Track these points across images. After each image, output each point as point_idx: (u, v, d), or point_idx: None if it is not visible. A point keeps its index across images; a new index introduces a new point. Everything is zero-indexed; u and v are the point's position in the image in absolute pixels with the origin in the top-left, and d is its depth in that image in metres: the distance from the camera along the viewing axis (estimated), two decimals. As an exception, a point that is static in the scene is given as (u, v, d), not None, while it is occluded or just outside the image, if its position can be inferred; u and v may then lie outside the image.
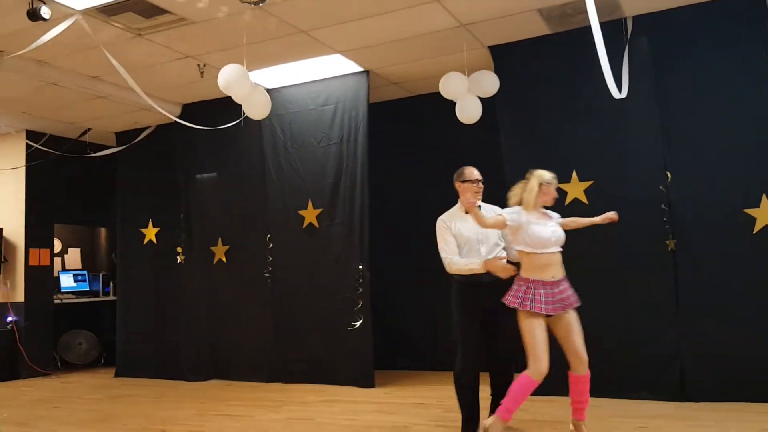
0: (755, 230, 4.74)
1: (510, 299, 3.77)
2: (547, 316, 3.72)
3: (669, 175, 5.01)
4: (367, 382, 6.07)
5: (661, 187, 5.01)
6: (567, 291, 3.77)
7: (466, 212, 4.10)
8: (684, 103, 5.03)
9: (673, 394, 4.87)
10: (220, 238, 7.06)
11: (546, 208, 3.95)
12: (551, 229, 3.79)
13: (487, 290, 3.97)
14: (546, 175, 3.88)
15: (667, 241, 4.99)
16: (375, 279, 6.29)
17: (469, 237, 4.09)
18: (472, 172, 4.22)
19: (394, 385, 6.15)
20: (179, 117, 6.48)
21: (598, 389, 4.95)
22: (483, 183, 4.20)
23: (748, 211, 4.77)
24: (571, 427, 3.95)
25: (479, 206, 4.01)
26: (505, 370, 4.15)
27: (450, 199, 6.99)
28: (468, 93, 5.53)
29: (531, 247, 3.74)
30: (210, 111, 6.72)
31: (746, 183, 4.78)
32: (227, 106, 5.95)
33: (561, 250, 3.81)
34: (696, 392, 4.82)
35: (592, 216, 4.04)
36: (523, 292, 3.73)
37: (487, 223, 3.74)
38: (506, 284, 3.90)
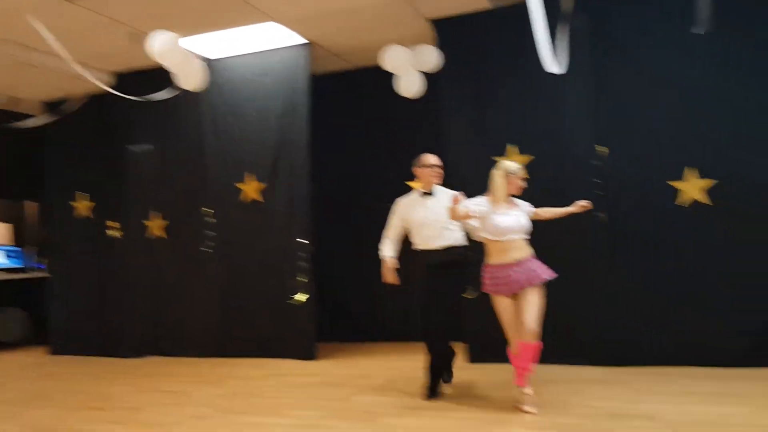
0: (681, 202, 4.96)
1: (483, 286, 4.16)
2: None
3: (602, 150, 5.17)
4: (309, 356, 6.10)
5: (594, 162, 5.16)
6: (530, 270, 4.01)
7: (425, 193, 4.54)
8: (618, 79, 5.17)
9: (604, 359, 5.09)
10: (159, 213, 6.89)
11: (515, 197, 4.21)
12: (513, 219, 4.07)
13: (432, 270, 4.41)
14: (512, 166, 4.15)
15: (600, 214, 5.16)
16: (315, 251, 6.28)
17: (416, 221, 4.48)
18: (429, 158, 4.55)
19: (335, 357, 6.20)
20: (113, 86, 6.24)
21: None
22: (441, 168, 4.56)
23: (672, 183, 4.98)
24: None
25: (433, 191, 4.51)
26: (433, 346, 4.48)
27: (390, 173, 7.07)
28: (409, 67, 5.53)
29: (491, 234, 4.09)
30: (146, 81, 6.48)
31: (672, 157, 4.98)
32: (164, 76, 5.77)
33: (525, 237, 4.11)
34: (625, 357, 5.05)
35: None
36: (488, 278, 4.12)
37: (458, 216, 3.99)
38: (450, 268, 4.38)
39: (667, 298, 4.99)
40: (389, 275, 4.49)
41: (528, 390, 3.99)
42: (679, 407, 3.85)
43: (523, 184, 4.17)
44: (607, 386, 4.49)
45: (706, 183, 4.90)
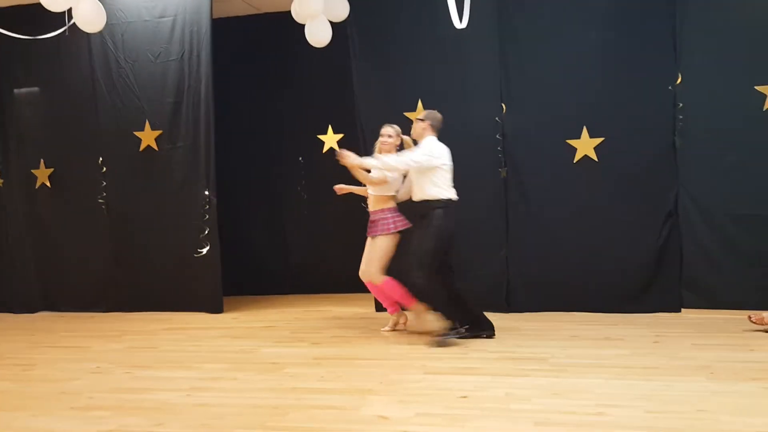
0: (575, 159, 5.23)
1: None
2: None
3: (504, 107, 5.33)
4: (215, 309, 6.02)
5: (496, 119, 5.33)
6: (375, 222, 4.84)
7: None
8: (520, 40, 5.30)
9: (500, 306, 5.36)
10: (42, 160, 6.46)
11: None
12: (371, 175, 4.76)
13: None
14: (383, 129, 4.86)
15: (500, 169, 5.36)
16: (223, 203, 6.16)
17: None
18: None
19: (243, 310, 6.16)
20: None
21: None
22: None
23: (570, 141, 5.23)
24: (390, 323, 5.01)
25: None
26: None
27: (297, 123, 6.97)
28: (320, 15, 5.40)
29: None
30: (29, 16, 5.95)
31: (569, 116, 5.21)
32: (49, 12, 5.33)
33: (373, 192, 4.84)
34: (519, 305, 5.37)
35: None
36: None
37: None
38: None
39: (557, 248, 5.29)
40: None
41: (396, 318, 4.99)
42: (566, 350, 4.15)
43: (389, 141, 4.78)
44: (501, 332, 4.75)
45: (595, 141, 5.17)
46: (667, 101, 5.07)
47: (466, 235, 5.38)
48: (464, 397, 3.33)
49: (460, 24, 4.32)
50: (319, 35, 5.43)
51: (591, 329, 4.72)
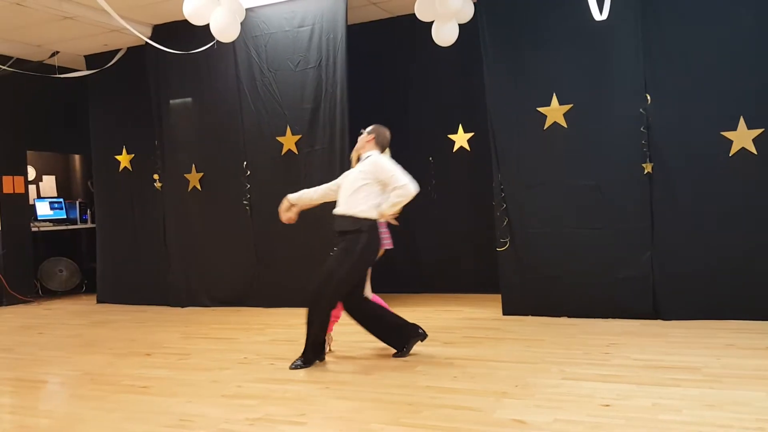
0: (731, 153, 4.81)
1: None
2: None
3: (649, 98, 5.02)
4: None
5: (641, 110, 5.02)
6: None
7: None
8: (666, 26, 4.97)
9: (645, 313, 5.05)
10: (193, 165, 6.97)
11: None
12: None
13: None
14: None
15: (644, 165, 5.05)
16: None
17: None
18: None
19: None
20: (150, 39, 6.26)
21: (574, 309, 5.16)
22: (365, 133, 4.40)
23: (725, 134, 4.81)
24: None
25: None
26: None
27: (429, 124, 6.98)
28: (451, 16, 5.40)
29: None
30: (182, 32, 6.47)
31: (724, 106, 4.80)
32: (200, 28, 5.75)
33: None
34: (666, 311, 5.01)
35: None
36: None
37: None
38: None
39: (709, 250, 4.89)
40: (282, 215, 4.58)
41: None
42: (721, 360, 3.83)
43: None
44: (644, 338, 4.47)
45: (754, 132, 4.73)
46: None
47: (606, 235, 5.14)
48: (607, 405, 3.16)
49: (600, 16, 4.14)
50: (446, 35, 5.45)
51: (750, 338, 4.32)
